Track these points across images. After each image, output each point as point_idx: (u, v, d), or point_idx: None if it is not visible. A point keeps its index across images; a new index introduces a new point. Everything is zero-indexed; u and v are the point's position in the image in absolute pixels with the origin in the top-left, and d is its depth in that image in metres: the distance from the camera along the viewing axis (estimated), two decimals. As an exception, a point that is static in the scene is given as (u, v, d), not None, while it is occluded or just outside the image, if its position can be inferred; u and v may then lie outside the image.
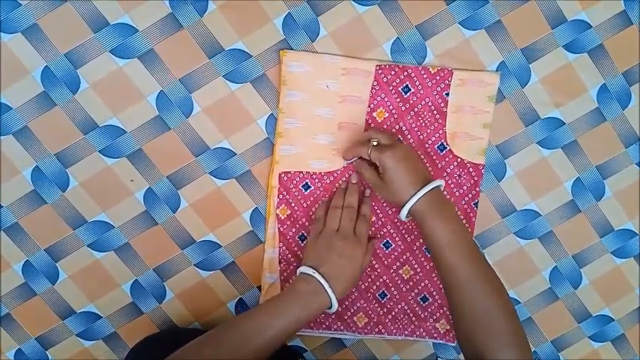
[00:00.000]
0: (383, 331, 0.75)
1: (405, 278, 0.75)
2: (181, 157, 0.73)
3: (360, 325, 0.75)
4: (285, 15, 0.71)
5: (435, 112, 0.73)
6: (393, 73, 0.72)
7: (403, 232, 0.74)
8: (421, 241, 0.75)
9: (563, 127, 0.75)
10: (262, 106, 0.73)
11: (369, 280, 0.75)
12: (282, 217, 0.74)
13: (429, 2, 0.72)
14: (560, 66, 0.74)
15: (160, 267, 0.75)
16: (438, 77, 0.72)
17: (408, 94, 0.72)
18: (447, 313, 0.76)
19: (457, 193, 0.74)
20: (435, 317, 0.76)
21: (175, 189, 0.74)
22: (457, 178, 0.74)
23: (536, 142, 0.75)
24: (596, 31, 0.73)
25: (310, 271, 0.64)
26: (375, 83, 0.72)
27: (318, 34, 0.72)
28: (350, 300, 0.75)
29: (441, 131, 0.73)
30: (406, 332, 0.76)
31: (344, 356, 0.79)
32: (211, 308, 0.76)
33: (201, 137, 0.73)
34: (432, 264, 0.75)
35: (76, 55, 0.70)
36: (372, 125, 0.73)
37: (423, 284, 0.75)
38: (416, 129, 0.73)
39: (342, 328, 0.75)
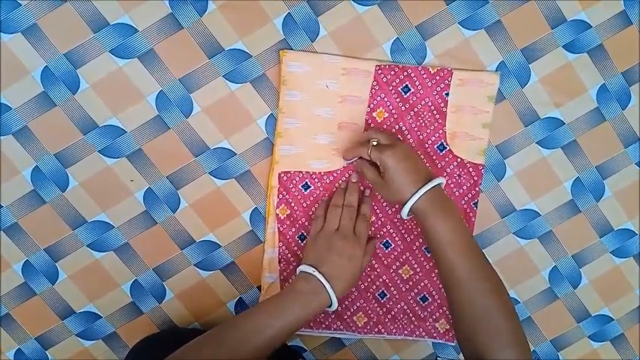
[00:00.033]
0: (382, 330, 0.75)
1: (405, 278, 0.75)
2: (181, 157, 0.73)
3: (359, 325, 0.75)
4: (285, 15, 0.71)
5: (434, 112, 0.73)
6: (392, 73, 0.72)
7: (403, 232, 0.75)
8: (421, 241, 0.75)
9: (563, 127, 0.75)
10: (262, 106, 0.73)
11: (369, 279, 0.75)
12: (282, 217, 0.74)
13: (428, 2, 0.72)
14: (559, 66, 0.74)
15: (160, 267, 0.75)
16: (437, 77, 0.72)
17: (408, 94, 0.72)
18: (447, 312, 0.76)
19: (457, 193, 0.74)
20: (434, 317, 0.76)
21: (175, 189, 0.74)
22: (457, 178, 0.74)
23: (536, 142, 0.75)
24: (595, 31, 0.73)
25: (310, 270, 0.64)
26: (375, 83, 0.72)
27: (317, 34, 0.72)
28: (350, 300, 0.75)
29: (440, 131, 0.73)
30: (406, 332, 0.76)
31: (344, 356, 0.79)
32: (211, 308, 0.76)
33: (201, 137, 0.73)
34: (431, 264, 0.75)
35: (75, 55, 0.70)
36: (372, 125, 0.73)
37: (422, 284, 0.75)
38: (416, 129, 0.73)
39: (341, 327, 0.75)
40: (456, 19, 0.72)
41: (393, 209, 0.74)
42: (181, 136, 0.73)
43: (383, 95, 0.72)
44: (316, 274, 0.64)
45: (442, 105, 0.73)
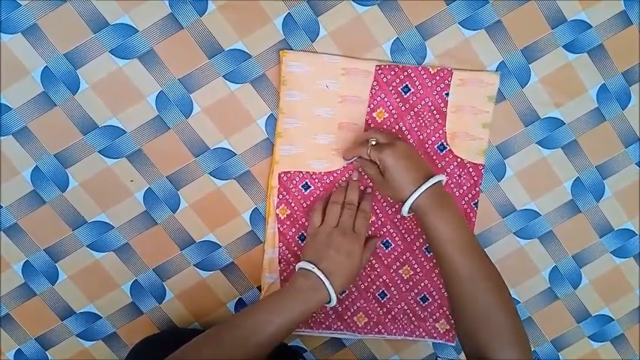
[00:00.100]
0: (383, 330, 0.75)
1: (405, 278, 0.75)
2: (181, 158, 0.73)
3: (359, 325, 0.75)
4: (285, 15, 0.71)
5: (434, 112, 0.73)
6: (392, 73, 0.72)
7: (403, 231, 0.75)
8: (421, 240, 0.75)
9: (563, 127, 0.75)
10: (262, 106, 0.73)
11: (369, 279, 0.75)
12: (282, 217, 0.74)
13: (428, 2, 0.72)
14: (560, 66, 0.74)
15: (160, 267, 0.75)
16: (437, 77, 0.72)
17: (408, 94, 0.72)
18: (447, 313, 0.76)
19: (457, 193, 0.74)
20: (434, 317, 0.76)
21: (175, 189, 0.74)
22: (457, 178, 0.74)
23: (536, 142, 0.75)
24: (596, 31, 0.73)
25: (309, 266, 0.64)
26: (375, 83, 0.72)
27: (317, 34, 0.72)
28: (350, 300, 0.75)
29: (440, 131, 0.73)
30: (406, 332, 0.76)
31: (344, 356, 0.79)
32: (211, 308, 0.76)
33: (200, 137, 0.73)
34: (432, 264, 0.75)
35: (75, 55, 0.70)
36: (372, 125, 0.73)
37: (422, 284, 0.75)
38: (416, 129, 0.73)
39: (341, 327, 0.75)
40: (456, 19, 0.72)
41: (394, 209, 0.74)
42: (181, 137, 0.73)
43: (383, 95, 0.72)
44: (315, 270, 0.64)
45: (442, 105, 0.73)
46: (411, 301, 0.75)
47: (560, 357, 0.80)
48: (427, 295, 0.76)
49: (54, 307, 0.75)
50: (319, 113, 0.72)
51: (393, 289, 0.75)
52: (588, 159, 0.76)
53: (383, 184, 0.67)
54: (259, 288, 0.76)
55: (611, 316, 0.80)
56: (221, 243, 0.75)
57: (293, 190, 0.73)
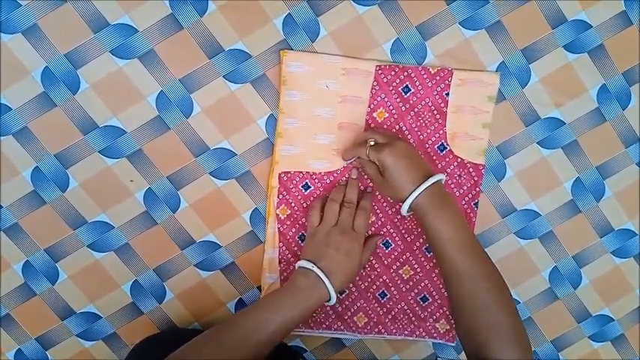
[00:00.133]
0: (383, 331, 0.75)
1: (405, 278, 0.75)
2: (181, 158, 0.73)
3: (359, 325, 0.75)
4: (285, 15, 0.71)
5: (435, 112, 0.73)
6: (393, 73, 0.72)
7: (403, 231, 0.75)
8: (421, 241, 0.75)
9: (563, 127, 0.75)
10: (262, 107, 0.73)
11: (369, 279, 0.75)
12: (282, 217, 0.74)
13: (429, 2, 0.72)
14: (560, 66, 0.74)
15: (160, 267, 0.75)
16: (438, 77, 0.72)
17: (408, 94, 0.72)
18: (447, 313, 0.76)
19: (457, 193, 0.74)
20: (434, 317, 0.76)
21: (175, 189, 0.74)
22: (457, 178, 0.74)
23: (536, 142, 0.75)
24: (596, 31, 0.73)
25: (309, 265, 0.64)
26: (375, 83, 0.72)
27: (318, 35, 0.72)
28: (350, 300, 0.75)
29: (441, 131, 0.73)
30: (406, 332, 0.76)
31: (344, 356, 0.79)
32: (211, 308, 0.76)
33: (201, 137, 0.73)
34: (432, 264, 0.75)
35: (76, 55, 0.70)
36: (373, 125, 0.73)
37: (422, 284, 0.75)
38: (416, 129, 0.73)
39: (342, 328, 0.75)
40: (457, 19, 0.72)
41: (394, 209, 0.74)
42: (181, 137, 0.73)
43: (383, 95, 0.72)
44: (315, 269, 0.64)
45: (442, 105, 0.73)
46: (411, 301, 0.75)
47: (561, 357, 0.80)
48: (427, 295, 0.76)
49: (54, 307, 0.75)
50: (319, 113, 0.72)
51: (393, 289, 0.75)
52: (588, 159, 0.76)
53: (382, 184, 0.67)
54: (259, 288, 0.76)
55: (612, 316, 0.80)
56: (221, 243, 0.75)
57: (293, 190, 0.73)
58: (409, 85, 0.72)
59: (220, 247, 0.75)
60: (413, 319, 0.76)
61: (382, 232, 0.74)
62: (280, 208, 0.74)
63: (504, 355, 0.59)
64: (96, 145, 0.72)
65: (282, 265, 0.74)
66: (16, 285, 0.74)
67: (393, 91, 0.72)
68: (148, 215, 0.74)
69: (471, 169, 0.74)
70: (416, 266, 0.75)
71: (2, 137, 0.71)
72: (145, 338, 0.69)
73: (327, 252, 0.65)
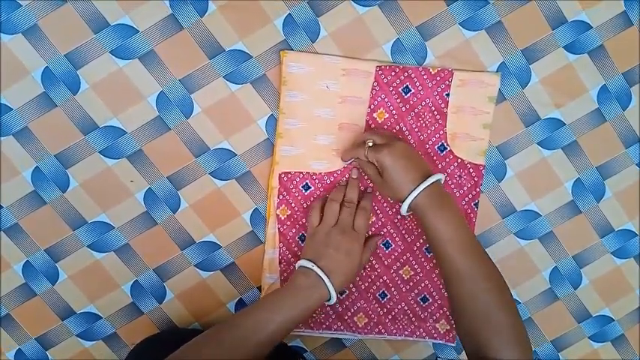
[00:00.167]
0: (383, 331, 0.75)
1: (405, 278, 0.75)
2: (181, 158, 0.73)
3: (360, 326, 0.75)
4: (285, 15, 0.71)
5: (435, 112, 0.73)
6: (393, 73, 0.72)
7: (403, 232, 0.75)
8: (421, 241, 0.75)
9: (564, 127, 0.75)
10: (262, 107, 0.73)
11: (369, 280, 0.75)
12: (283, 218, 0.74)
13: (429, 3, 0.72)
14: (560, 67, 0.74)
15: (160, 267, 0.75)
16: (438, 78, 0.72)
17: (409, 94, 0.72)
18: (447, 313, 0.76)
19: (457, 194, 0.74)
20: (434, 317, 0.76)
21: (175, 189, 0.74)
22: (457, 178, 0.74)
23: (537, 143, 0.75)
24: (596, 32, 0.73)
25: (309, 264, 0.64)
26: (376, 84, 0.72)
27: (318, 35, 0.72)
28: (350, 300, 0.75)
29: (441, 132, 0.73)
30: (406, 332, 0.76)
31: (344, 356, 0.79)
32: (211, 309, 0.76)
33: (201, 138, 0.73)
34: (432, 264, 0.75)
35: (76, 55, 0.70)
36: (373, 126, 0.73)
37: (423, 284, 0.75)
38: (416, 129, 0.73)
39: (342, 328, 0.75)
40: (457, 19, 0.72)
41: (394, 209, 0.74)
42: (182, 137, 0.73)
43: (383, 96, 0.72)
44: (315, 268, 0.64)
45: (443, 105, 0.73)
46: (412, 302, 0.75)
47: (561, 357, 0.80)
48: (427, 296, 0.76)
49: (54, 307, 0.75)
50: (320, 114, 0.72)
51: (393, 289, 0.75)
52: (589, 159, 0.76)
53: (382, 184, 0.67)
54: (259, 288, 0.76)
55: (612, 316, 0.80)
56: (221, 243, 0.75)
57: (293, 190, 0.73)
58: (409, 86, 0.72)
59: (220, 247, 0.75)
60: (413, 319, 0.76)
61: (382, 233, 0.74)
62: (280, 208, 0.74)
63: (505, 355, 0.59)
64: (96, 146, 0.72)
65: (282, 266, 0.74)
66: (16, 285, 0.74)
67: (394, 92, 0.72)
68: (148, 215, 0.74)
69: (471, 170, 0.74)
70: (416, 267, 0.75)
71: (2, 137, 0.71)
72: (145, 338, 0.69)
73: (327, 252, 0.66)
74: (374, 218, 0.74)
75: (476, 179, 0.74)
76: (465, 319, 0.63)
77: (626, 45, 0.74)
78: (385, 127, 0.73)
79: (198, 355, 0.58)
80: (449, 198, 0.65)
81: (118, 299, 0.75)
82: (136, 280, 0.75)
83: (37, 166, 0.72)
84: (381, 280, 0.75)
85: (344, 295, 0.75)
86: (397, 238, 0.75)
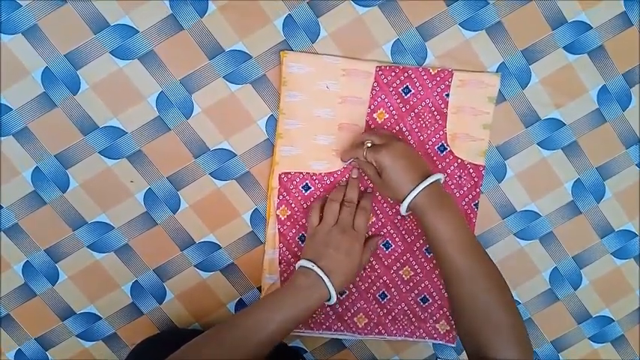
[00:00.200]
0: (383, 331, 0.75)
1: (405, 279, 0.75)
2: (181, 158, 0.73)
3: (360, 326, 0.75)
4: (285, 16, 0.71)
5: (435, 113, 0.73)
6: (393, 74, 0.72)
7: (403, 232, 0.74)
8: (421, 241, 0.75)
9: (564, 128, 0.75)
10: (262, 107, 0.73)
11: (369, 280, 0.75)
12: (283, 218, 0.74)
13: (429, 3, 0.72)
14: (560, 67, 0.74)
15: (160, 268, 0.75)
16: (438, 78, 0.72)
17: (409, 95, 0.72)
18: (447, 313, 0.76)
19: (457, 194, 0.74)
20: (434, 318, 0.76)
21: (175, 190, 0.74)
22: (457, 179, 0.74)
23: (537, 143, 0.75)
24: (596, 32, 0.73)
25: (309, 264, 0.64)
26: (376, 84, 0.72)
27: (318, 35, 0.72)
28: (350, 301, 0.75)
29: (441, 132, 0.73)
30: (406, 333, 0.76)
31: (344, 357, 0.79)
32: (211, 309, 0.76)
33: (201, 138, 0.73)
34: (432, 265, 0.75)
35: (76, 55, 0.70)
36: (373, 126, 0.73)
37: (423, 285, 0.75)
38: (416, 130, 0.73)
39: (342, 328, 0.75)
40: (457, 20, 0.72)
41: (394, 210, 0.74)
42: (182, 137, 0.73)
43: (383, 96, 0.72)
44: (315, 268, 0.64)
45: (443, 106, 0.73)
46: (412, 302, 0.75)
47: (561, 358, 0.80)
48: (427, 296, 0.76)
49: (54, 307, 0.75)
50: (320, 114, 0.72)
51: (393, 290, 0.75)
52: (589, 160, 0.76)
53: (381, 184, 0.67)
54: (259, 289, 0.76)
55: (612, 317, 0.80)
56: (221, 244, 0.75)
57: (293, 190, 0.73)
58: (409, 86, 0.72)
59: (220, 247, 0.75)
60: (413, 319, 0.76)
61: (382, 233, 0.74)
62: (280, 208, 0.74)
63: (505, 355, 0.59)
64: (96, 146, 0.72)
65: (282, 266, 0.74)
66: (16, 285, 0.74)
67: (394, 92, 0.72)
68: (148, 216, 0.74)
69: (471, 170, 0.74)
70: (416, 267, 0.75)
71: (2, 137, 0.71)
72: (145, 339, 0.69)
73: (327, 251, 0.65)
74: (374, 219, 0.74)
75: (476, 180, 0.74)
76: (465, 319, 0.63)
77: (626, 45, 0.74)
78: (385, 127, 0.73)
79: (198, 355, 0.58)
80: (448, 198, 0.65)
81: (118, 299, 0.75)
82: (136, 281, 0.75)
83: (37, 167, 0.72)
84: (381, 280, 0.75)
85: (344, 296, 0.75)
86: (397, 239, 0.75)
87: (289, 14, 0.71)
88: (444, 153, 0.73)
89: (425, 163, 0.67)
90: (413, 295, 0.75)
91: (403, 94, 0.72)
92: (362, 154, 0.66)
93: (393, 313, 0.75)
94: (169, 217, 0.74)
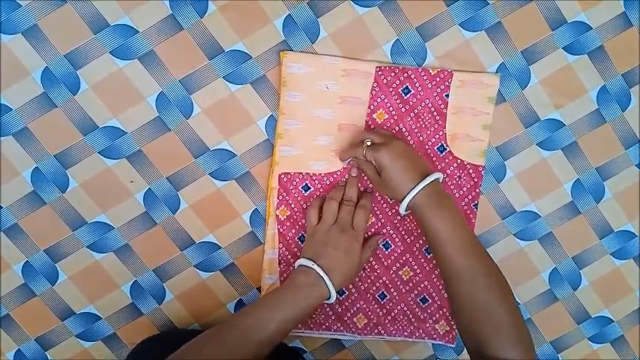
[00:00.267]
0: (382, 332, 0.75)
1: (405, 279, 0.75)
2: (181, 158, 0.73)
3: (359, 326, 0.75)
4: (285, 16, 0.71)
5: (434, 113, 0.73)
6: (393, 74, 0.72)
7: (403, 233, 0.75)
8: (421, 242, 0.75)
9: (563, 128, 0.75)
10: (262, 107, 0.73)
11: (369, 281, 0.75)
12: (282, 218, 0.74)
13: (429, 3, 0.72)
14: (560, 67, 0.74)
15: (160, 268, 0.75)
16: (438, 79, 0.72)
17: (408, 95, 0.72)
18: (447, 314, 0.76)
19: (457, 195, 0.74)
20: (434, 318, 0.76)
21: (175, 190, 0.74)
22: (457, 179, 0.74)
23: (536, 144, 0.75)
24: (596, 33, 0.73)
25: (309, 263, 0.64)
26: (375, 84, 0.72)
27: (318, 36, 0.72)
28: (349, 301, 0.75)
29: (440, 132, 0.73)
30: (405, 333, 0.76)
31: (344, 357, 0.79)
32: (211, 309, 0.76)
33: (201, 138, 0.73)
34: (431, 265, 0.75)
35: (76, 56, 0.70)
36: (372, 127, 0.73)
37: (422, 285, 0.75)
38: (416, 130, 0.73)
39: (341, 329, 0.75)
40: (456, 20, 0.72)
41: (393, 210, 0.74)
42: (181, 137, 0.73)
43: (383, 96, 0.72)
44: (315, 267, 0.64)
45: (442, 106, 0.73)
46: (411, 303, 0.75)
47: (560, 358, 0.80)
48: (427, 297, 0.76)
49: (54, 307, 0.75)
50: (319, 114, 0.72)
51: (392, 290, 0.75)
52: (588, 160, 0.76)
53: (380, 183, 0.67)
54: (259, 289, 0.76)
55: (611, 317, 0.80)
56: (221, 244, 0.75)
57: (293, 191, 0.73)
58: (409, 87, 0.72)
59: (220, 247, 0.75)
60: (412, 320, 0.76)
61: (382, 233, 0.74)
62: (280, 209, 0.74)
63: (506, 355, 0.59)
64: (96, 146, 0.72)
65: (281, 266, 0.74)
66: (15, 285, 0.74)
67: (393, 93, 0.72)
68: (148, 216, 0.74)
69: (470, 171, 0.74)
70: (416, 267, 0.75)
71: (2, 137, 0.71)
72: (145, 339, 0.69)
73: (326, 250, 0.66)
74: (373, 219, 0.74)
75: (475, 180, 0.74)
76: (465, 318, 0.63)
77: (625, 46, 0.74)
78: (385, 127, 0.73)
79: (198, 355, 0.58)
80: (448, 197, 0.65)
81: (118, 300, 0.75)
82: (136, 281, 0.75)
83: (36, 167, 0.72)
84: (381, 280, 0.75)
85: (343, 296, 0.75)
86: (397, 239, 0.75)
87: (289, 14, 0.71)
88: (444, 153, 0.73)
89: (424, 162, 0.67)
90: (412, 295, 0.75)
91: (403, 95, 0.72)
92: (361, 153, 0.66)
93: (393, 314, 0.75)
94: (169, 218, 0.74)
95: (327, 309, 0.75)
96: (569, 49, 0.74)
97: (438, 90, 0.72)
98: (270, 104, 0.73)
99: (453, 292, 0.64)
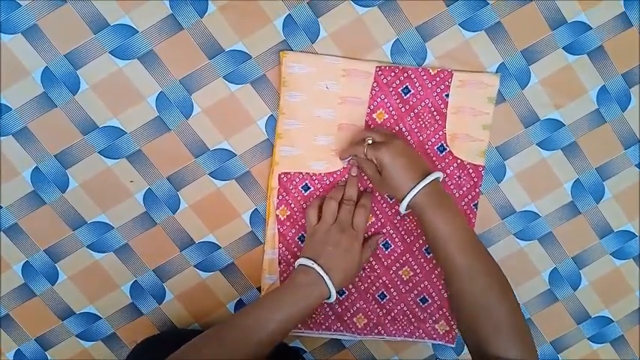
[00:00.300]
0: (382, 332, 0.75)
1: (405, 279, 0.75)
2: (181, 158, 0.73)
3: (359, 326, 0.75)
4: (285, 16, 0.71)
5: (434, 113, 0.73)
6: (393, 74, 0.72)
7: (403, 233, 0.75)
8: (421, 242, 0.75)
9: (563, 128, 0.75)
10: (262, 107, 0.73)
11: (369, 281, 0.75)
12: (282, 218, 0.74)
13: (429, 3, 0.72)
14: (560, 67, 0.74)
15: (160, 268, 0.75)
16: (437, 78, 0.72)
17: (408, 95, 0.72)
18: (447, 314, 0.76)
19: (457, 195, 0.74)
20: (434, 318, 0.76)
21: (175, 190, 0.74)
22: (457, 179, 0.74)
23: (536, 144, 0.75)
24: (595, 33, 0.73)
25: (309, 262, 0.64)
26: (375, 84, 0.72)
27: (318, 36, 0.72)
28: (349, 301, 0.75)
29: (440, 132, 0.73)
30: (405, 333, 0.76)
31: (343, 357, 0.79)
32: (211, 309, 0.76)
33: (201, 138, 0.73)
34: (431, 265, 0.75)
35: (76, 55, 0.70)
36: (372, 126, 0.73)
37: (422, 285, 0.75)
38: (416, 130, 0.73)
39: (341, 329, 0.75)
40: (456, 20, 0.72)
41: (393, 210, 0.74)
42: (181, 137, 0.73)
43: (383, 96, 0.72)
44: (315, 266, 0.64)
45: (442, 106, 0.73)
46: (411, 303, 0.75)
47: (560, 358, 0.80)
48: (427, 297, 0.76)
49: (54, 307, 0.75)
50: (319, 114, 0.72)
51: (392, 290, 0.75)
52: (588, 160, 0.76)
53: (381, 182, 0.67)
54: (259, 289, 0.76)
55: (611, 317, 0.80)
56: (221, 244, 0.75)
57: (293, 191, 0.73)
58: (409, 87, 0.72)
59: (220, 247, 0.75)
60: (412, 320, 0.76)
61: (382, 233, 0.74)
62: (280, 209, 0.74)
63: (506, 354, 0.59)
64: (96, 146, 0.72)
65: (281, 266, 0.74)
66: (15, 285, 0.74)
67: (393, 92, 0.72)
68: (148, 216, 0.74)
69: (470, 171, 0.74)
70: (415, 267, 0.75)
71: (2, 137, 0.71)
72: (145, 339, 0.69)
73: (326, 249, 0.66)
74: (373, 219, 0.74)
75: (475, 180, 0.74)
76: (465, 317, 0.63)
77: (625, 46, 0.74)
78: (385, 127, 0.73)
79: (198, 355, 0.58)
80: (448, 196, 0.65)
81: (118, 300, 0.75)
82: (136, 281, 0.75)
83: (36, 167, 0.72)
84: (381, 280, 0.75)
85: (343, 296, 0.75)
86: (397, 239, 0.75)
87: (289, 14, 0.71)
88: (444, 153, 0.73)
89: (424, 161, 0.67)
90: (412, 295, 0.75)
91: (403, 95, 0.72)
92: (362, 152, 0.66)
93: (393, 314, 0.75)
94: (169, 217, 0.74)
95: (327, 309, 0.75)
96: (569, 49, 0.74)
97: (438, 90, 0.72)
98: (270, 104, 0.73)
99: (453, 291, 0.64)
